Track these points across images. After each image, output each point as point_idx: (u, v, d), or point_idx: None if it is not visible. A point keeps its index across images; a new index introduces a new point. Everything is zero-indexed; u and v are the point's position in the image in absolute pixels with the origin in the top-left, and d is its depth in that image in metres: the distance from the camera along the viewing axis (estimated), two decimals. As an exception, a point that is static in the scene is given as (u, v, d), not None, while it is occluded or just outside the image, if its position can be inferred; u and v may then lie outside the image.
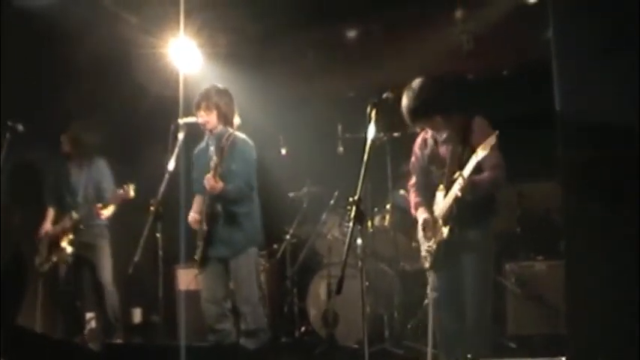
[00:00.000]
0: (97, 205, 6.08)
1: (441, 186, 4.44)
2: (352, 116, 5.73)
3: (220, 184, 5.03)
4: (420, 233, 4.63)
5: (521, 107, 6.97)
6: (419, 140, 4.75)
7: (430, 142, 4.64)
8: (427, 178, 4.64)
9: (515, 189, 6.77)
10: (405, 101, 4.42)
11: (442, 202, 4.41)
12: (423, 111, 4.43)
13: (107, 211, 6.08)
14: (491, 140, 4.05)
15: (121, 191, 5.94)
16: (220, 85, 5.38)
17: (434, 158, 4.59)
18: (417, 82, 4.44)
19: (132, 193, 5.90)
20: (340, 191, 6.94)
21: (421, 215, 4.63)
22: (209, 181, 5.00)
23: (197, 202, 5.42)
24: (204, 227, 5.20)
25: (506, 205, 6.50)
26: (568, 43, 2.93)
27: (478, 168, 4.24)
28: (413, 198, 4.78)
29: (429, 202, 4.58)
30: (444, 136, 4.53)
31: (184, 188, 5.44)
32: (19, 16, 5.99)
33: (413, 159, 4.79)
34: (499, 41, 7.19)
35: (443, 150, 4.52)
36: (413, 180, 4.84)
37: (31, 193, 6.64)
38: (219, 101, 5.28)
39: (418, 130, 4.73)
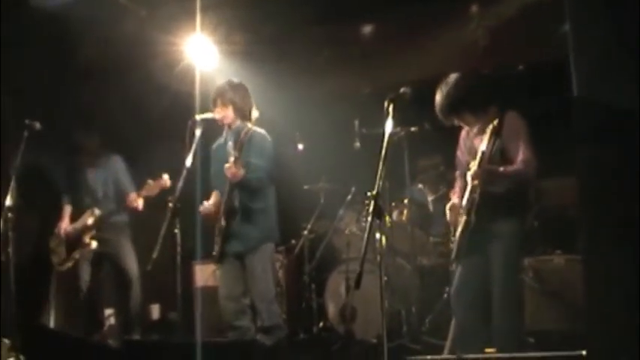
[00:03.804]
0: (132, 194, 6.10)
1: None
2: (368, 112, 5.73)
3: (242, 172, 4.98)
4: (448, 218, 4.66)
5: (538, 103, 6.93)
6: (463, 133, 4.77)
7: (468, 135, 4.68)
8: (465, 170, 4.66)
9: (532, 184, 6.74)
10: (437, 98, 4.49)
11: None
12: (451, 108, 4.49)
13: (140, 201, 6.07)
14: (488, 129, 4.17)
15: (150, 182, 5.93)
16: (235, 80, 5.38)
17: (470, 151, 4.61)
18: (450, 78, 4.49)
19: (168, 182, 5.86)
20: (357, 187, 6.93)
21: (451, 200, 4.68)
22: (230, 168, 4.95)
23: (214, 197, 5.42)
24: (222, 223, 5.19)
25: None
26: (585, 36, 2.91)
27: (509, 161, 4.31)
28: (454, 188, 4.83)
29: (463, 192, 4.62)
30: (475, 129, 4.57)
31: (201, 185, 5.43)
32: (36, 16, 6.04)
33: (458, 152, 4.82)
34: (515, 36, 7.17)
35: (477, 142, 4.54)
36: (457, 172, 4.87)
37: (46, 192, 6.67)
38: (234, 96, 5.27)
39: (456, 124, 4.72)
